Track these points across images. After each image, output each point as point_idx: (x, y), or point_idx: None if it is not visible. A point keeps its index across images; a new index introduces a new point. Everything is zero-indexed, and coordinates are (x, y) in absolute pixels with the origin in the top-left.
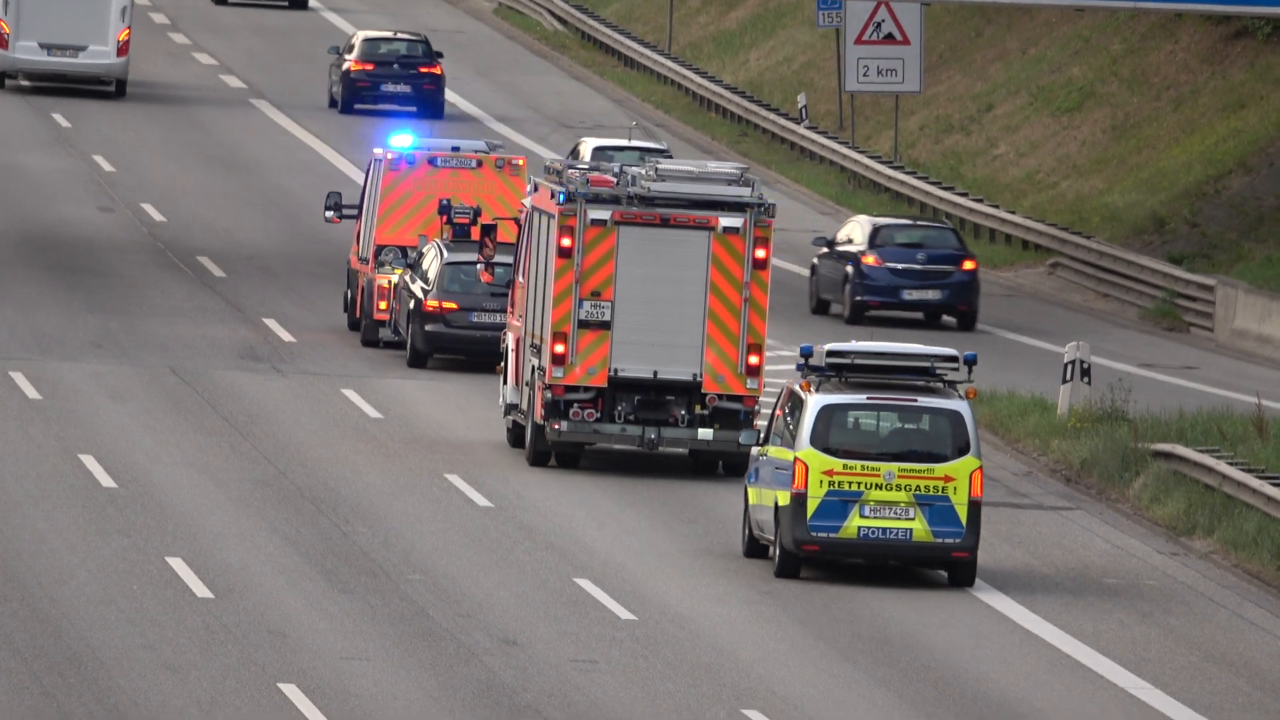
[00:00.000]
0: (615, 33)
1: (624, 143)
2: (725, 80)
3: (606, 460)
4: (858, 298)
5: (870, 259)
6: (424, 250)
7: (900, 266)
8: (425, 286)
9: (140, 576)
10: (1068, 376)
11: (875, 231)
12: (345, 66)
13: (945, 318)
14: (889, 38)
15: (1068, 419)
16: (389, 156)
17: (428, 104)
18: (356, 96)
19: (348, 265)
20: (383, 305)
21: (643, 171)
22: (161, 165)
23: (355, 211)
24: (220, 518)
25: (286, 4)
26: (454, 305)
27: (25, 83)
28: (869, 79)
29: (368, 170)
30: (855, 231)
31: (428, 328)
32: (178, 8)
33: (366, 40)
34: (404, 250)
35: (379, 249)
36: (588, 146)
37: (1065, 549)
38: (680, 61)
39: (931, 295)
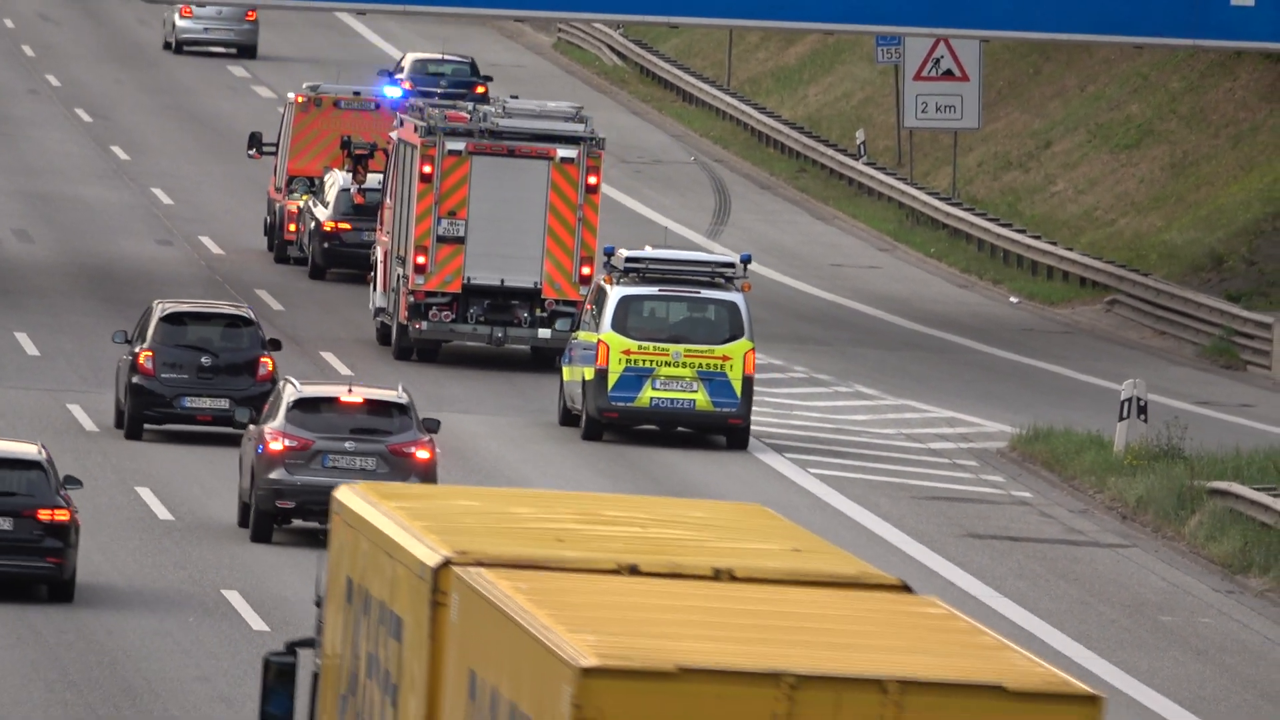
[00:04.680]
0: (674, 68)
1: (439, 56)
2: (784, 116)
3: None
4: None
5: None
6: (325, 179)
7: None
8: (325, 210)
9: (196, 609)
10: (1124, 414)
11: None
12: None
13: None
14: (948, 74)
15: (1124, 456)
16: (297, 99)
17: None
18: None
19: (267, 195)
20: (292, 228)
21: (493, 109)
22: (220, 199)
23: (273, 149)
24: (276, 551)
25: (236, 53)
26: (348, 226)
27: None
28: (928, 115)
29: (283, 113)
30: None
31: (325, 245)
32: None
33: None
34: (311, 180)
35: (290, 179)
36: (409, 59)
37: (1121, 586)
38: (739, 97)
39: None
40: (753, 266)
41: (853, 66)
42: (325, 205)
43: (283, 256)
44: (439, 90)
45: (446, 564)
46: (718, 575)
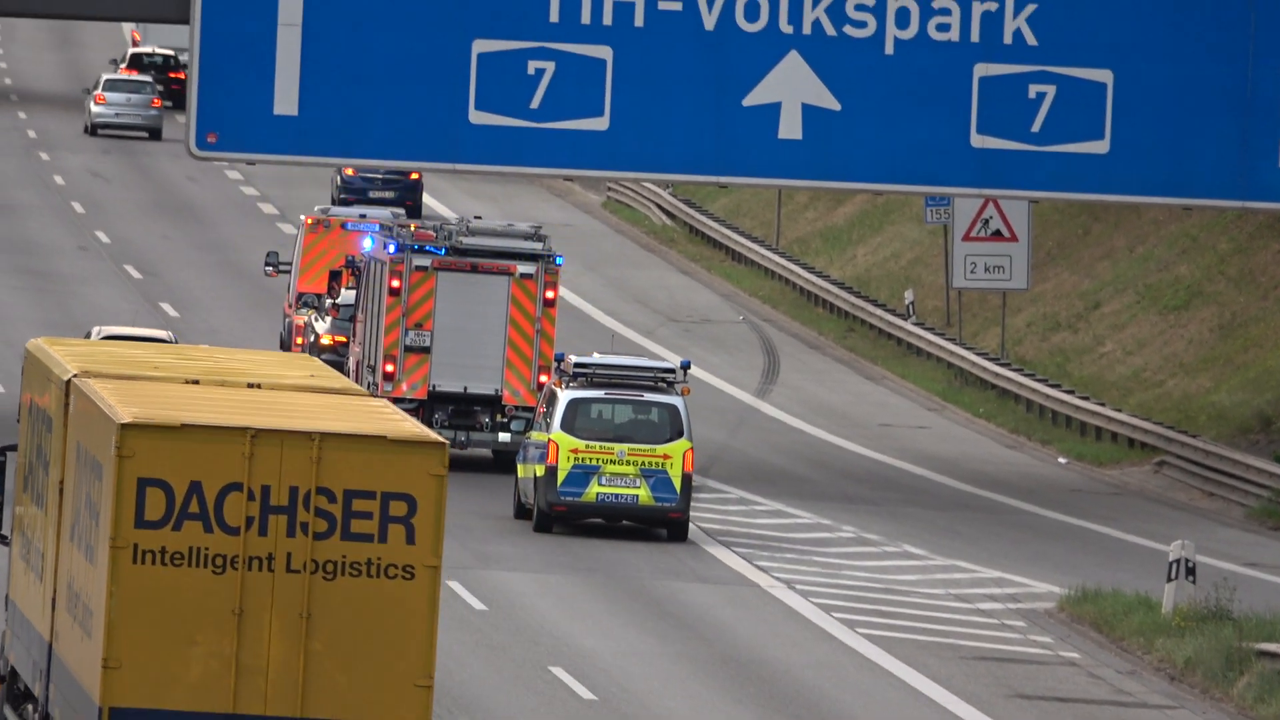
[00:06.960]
0: (723, 227)
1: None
2: (832, 275)
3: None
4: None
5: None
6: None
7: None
8: (324, 325)
9: None
10: (1173, 575)
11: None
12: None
13: None
14: (997, 234)
15: (1172, 618)
16: (308, 221)
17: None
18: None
19: (283, 310)
20: (299, 341)
21: (457, 228)
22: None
23: (288, 267)
24: None
25: (146, 136)
26: (345, 339)
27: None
28: (976, 276)
29: (296, 234)
30: None
31: (323, 357)
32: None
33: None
34: (319, 297)
35: (300, 295)
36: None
37: None
38: (787, 256)
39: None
40: (801, 425)
41: (901, 226)
42: (325, 320)
43: None
44: (380, 176)
45: (73, 378)
46: (251, 386)
